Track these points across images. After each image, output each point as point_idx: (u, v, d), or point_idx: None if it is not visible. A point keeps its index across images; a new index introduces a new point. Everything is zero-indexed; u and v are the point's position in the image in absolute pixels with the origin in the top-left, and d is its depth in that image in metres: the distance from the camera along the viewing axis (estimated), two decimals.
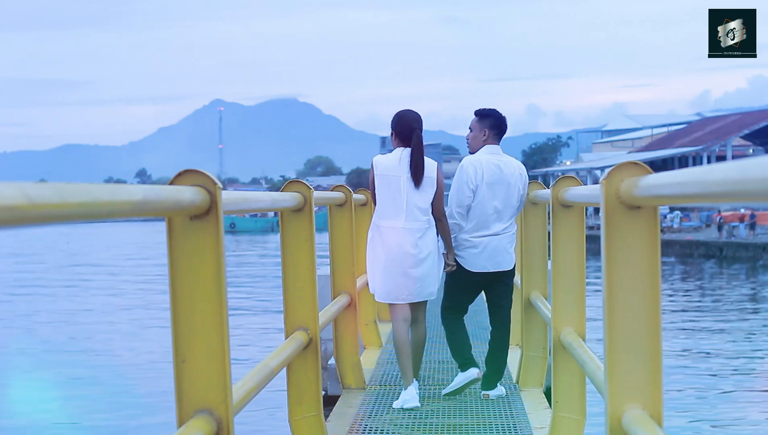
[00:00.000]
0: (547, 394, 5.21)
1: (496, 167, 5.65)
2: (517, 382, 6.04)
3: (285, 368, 3.87)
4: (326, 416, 4.57)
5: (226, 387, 2.42)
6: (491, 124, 5.72)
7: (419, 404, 5.52)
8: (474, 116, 5.81)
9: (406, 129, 5.54)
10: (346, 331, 5.86)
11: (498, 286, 5.80)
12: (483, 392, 5.75)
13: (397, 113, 5.67)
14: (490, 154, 5.68)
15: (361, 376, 6.07)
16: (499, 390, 5.78)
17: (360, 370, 6.05)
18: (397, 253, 5.49)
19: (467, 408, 5.50)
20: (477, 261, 5.67)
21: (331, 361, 6.95)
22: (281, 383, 4.11)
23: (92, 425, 10.53)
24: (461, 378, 5.73)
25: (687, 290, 24.61)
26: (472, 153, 5.78)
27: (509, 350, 7.25)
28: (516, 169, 5.73)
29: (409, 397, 5.51)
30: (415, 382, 5.62)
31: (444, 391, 5.84)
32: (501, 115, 5.77)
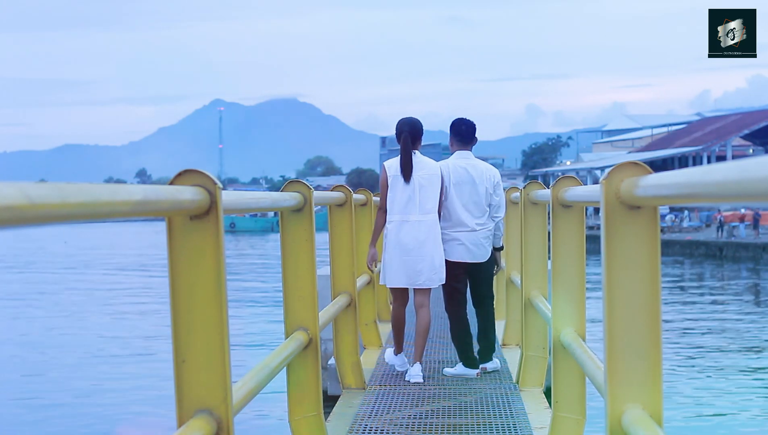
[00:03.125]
0: (547, 394, 5.21)
1: (463, 169, 6.40)
2: (517, 382, 6.04)
3: (285, 368, 3.87)
4: (326, 416, 4.57)
5: (226, 387, 2.42)
6: (453, 133, 6.52)
7: (423, 380, 6.24)
8: None
9: (398, 133, 6.34)
10: (346, 331, 5.87)
11: (477, 275, 6.56)
12: (481, 366, 6.47)
13: (396, 122, 6.46)
14: (458, 159, 6.45)
15: (361, 376, 6.07)
16: (495, 363, 6.55)
17: (360, 370, 6.05)
18: (413, 244, 6.21)
19: (467, 408, 5.50)
20: (454, 252, 6.40)
21: (331, 361, 6.96)
22: (281, 383, 4.10)
23: (91, 425, 10.54)
24: (462, 371, 6.46)
25: (685, 290, 24.62)
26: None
27: (509, 350, 7.29)
28: (483, 171, 6.45)
29: (415, 372, 6.26)
30: (418, 365, 6.31)
31: (444, 371, 6.55)
32: (462, 123, 6.51)
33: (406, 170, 6.19)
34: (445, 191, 6.32)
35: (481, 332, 6.61)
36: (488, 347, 6.56)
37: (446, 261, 6.36)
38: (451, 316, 6.54)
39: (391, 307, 6.94)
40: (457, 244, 6.38)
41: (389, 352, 6.70)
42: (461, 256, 6.40)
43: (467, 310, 6.57)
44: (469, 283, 6.62)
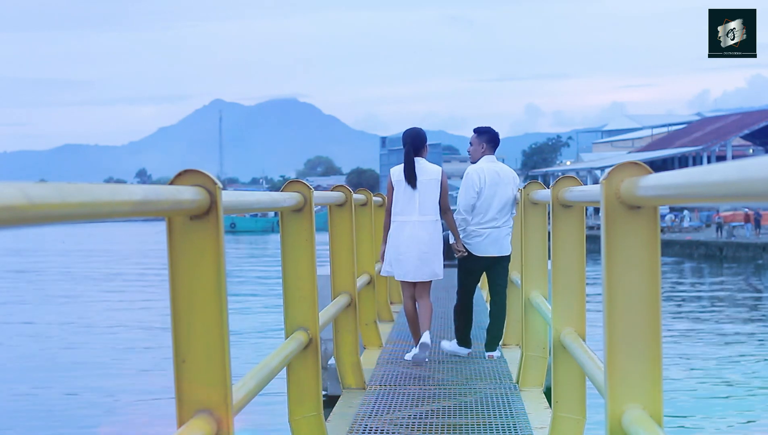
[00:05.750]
0: (547, 394, 5.21)
1: (495, 173, 7.08)
2: (517, 382, 6.04)
3: (285, 368, 3.87)
4: (326, 416, 4.57)
5: (226, 387, 2.42)
6: (488, 139, 7.18)
7: (427, 359, 6.93)
8: (473, 133, 7.27)
9: (403, 145, 7.06)
10: (346, 331, 5.87)
11: (497, 269, 7.20)
12: (487, 354, 7.12)
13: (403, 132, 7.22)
14: (488, 163, 7.12)
15: (361, 376, 6.07)
16: (498, 352, 7.19)
17: (360, 370, 6.05)
18: (412, 241, 6.86)
19: (467, 408, 5.50)
20: (481, 247, 7.06)
21: (331, 361, 6.96)
22: (281, 383, 4.10)
23: (90, 426, 10.53)
24: (455, 348, 7.24)
25: (685, 290, 24.63)
26: (473, 162, 7.21)
27: (508, 350, 7.33)
28: (509, 174, 7.21)
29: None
30: (428, 333, 6.89)
31: (442, 343, 7.36)
32: (495, 131, 7.27)
33: (410, 178, 6.89)
34: (480, 191, 7.00)
35: (491, 323, 7.20)
36: (495, 338, 7.19)
37: (471, 255, 7.06)
38: (459, 299, 7.19)
39: (390, 306, 7.08)
40: (483, 239, 7.03)
41: (412, 352, 7.03)
42: (486, 251, 7.06)
43: (473, 301, 7.26)
44: (488, 275, 7.27)
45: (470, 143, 7.31)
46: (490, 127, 7.26)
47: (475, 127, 7.31)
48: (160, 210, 2.15)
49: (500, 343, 7.28)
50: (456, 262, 7.31)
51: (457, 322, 7.23)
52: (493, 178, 7.02)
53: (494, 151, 7.21)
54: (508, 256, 7.21)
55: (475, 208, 7.03)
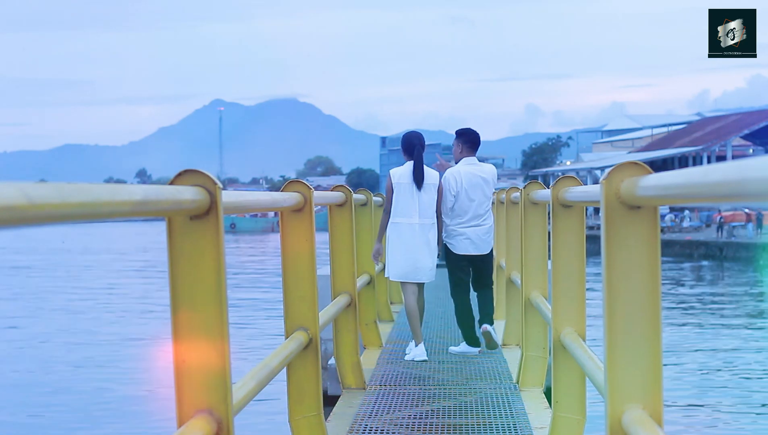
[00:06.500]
0: (547, 394, 5.21)
1: (473, 175, 7.21)
2: (517, 382, 6.03)
3: (285, 368, 3.87)
4: (326, 416, 4.57)
5: (226, 387, 2.42)
6: (464, 140, 7.31)
7: (427, 358, 7.00)
8: (455, 135, 7.41)
9: (410, 146, 7.13)
10: (346, 331, 5.86)
11: (480, 265, 7.35)
12: (482, 326, 7.20)
13: (404, 135, 7.29)
14: (467, 165, 7.25)
15: (361, 376, 6.07)
16: (493, 328, 7.26)
17: (360, 370, 6.05)
18: (412, 243, 7.04)
19: (467, 408, 5.50)
20: (460, 245, 7.24)
21: (331, 361, 6.96)
22: (281, 383, 4.10)
23: (91, 427, 10.54)
24: (465, 349, 7.29)
25: (685, 291, 24.62)
26: (456, 163, 7.36)
27: (508, 350, 7.35)
28: (488, 172, 7.32)
29: (419, 352, 7.03)
30: (422, 345, 7.06)
31: (450, 349, 7.40)
32: (472, 132, 7.36)
33: (418, 179, 7.02)
34: (457, 194, 7.14)
35: (481, 306, 7.32)
36: (488, 314, 7.30)
37: (453, 253, 7.23)
38: (456, 302, 7.30)
39: (390, 306, 7.09)
40: (463, 239, 7.19)
41: (410, 347, 7.20)
42: (467, 250, 7.23)
43: (470, 297, 7.38)
44: (472, 273, 7.37)
45: (452, 145, 7.45)
46: (468, 129, 7.37)
47: (456, 129, 7.41)
48: (160, 210, 2.15)
49: (492, 322, 7.31)
50: (444, 262, 7.44)
51: (461, 324, 7.34)
52: (471, 179, 7.16)
53: (475, 152, 7.30)
54: (490, 254, 7.38)
55: (454, 210, 7.19)
